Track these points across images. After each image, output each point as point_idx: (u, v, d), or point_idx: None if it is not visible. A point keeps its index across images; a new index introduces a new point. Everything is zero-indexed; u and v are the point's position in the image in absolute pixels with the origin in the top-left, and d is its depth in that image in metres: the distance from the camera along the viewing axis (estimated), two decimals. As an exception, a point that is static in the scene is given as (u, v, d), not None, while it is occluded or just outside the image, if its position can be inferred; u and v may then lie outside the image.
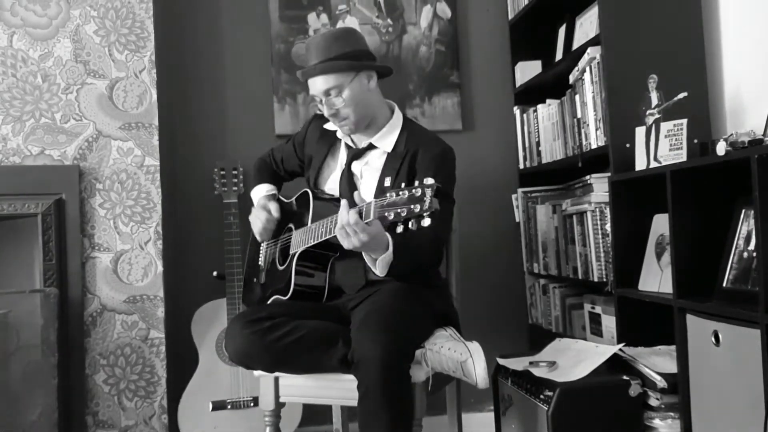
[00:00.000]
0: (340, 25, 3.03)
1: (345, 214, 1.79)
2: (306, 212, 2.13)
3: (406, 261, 1.94)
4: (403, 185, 1.74)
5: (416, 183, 1.69)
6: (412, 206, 1.66)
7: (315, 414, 2.75)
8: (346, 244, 1.82)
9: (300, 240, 2.10)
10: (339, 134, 2.20)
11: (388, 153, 2.11)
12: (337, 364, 1.91)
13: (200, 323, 2.74)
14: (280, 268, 2.19)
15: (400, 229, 1.70)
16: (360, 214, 1.79)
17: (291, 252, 2.14)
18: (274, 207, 2.24)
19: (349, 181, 2.12)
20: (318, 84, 2.06)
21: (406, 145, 2.10)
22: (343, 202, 1.85)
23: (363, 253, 1.93)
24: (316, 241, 2.01)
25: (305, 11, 3.04)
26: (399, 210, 1.68)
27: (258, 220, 2.23)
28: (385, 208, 1.71)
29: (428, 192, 1.66)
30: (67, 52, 2.60)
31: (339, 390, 1.97)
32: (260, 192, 2.34)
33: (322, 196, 2.17)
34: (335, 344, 1.91)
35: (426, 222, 1.65)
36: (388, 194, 1.73)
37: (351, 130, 2.12)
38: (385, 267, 1.92)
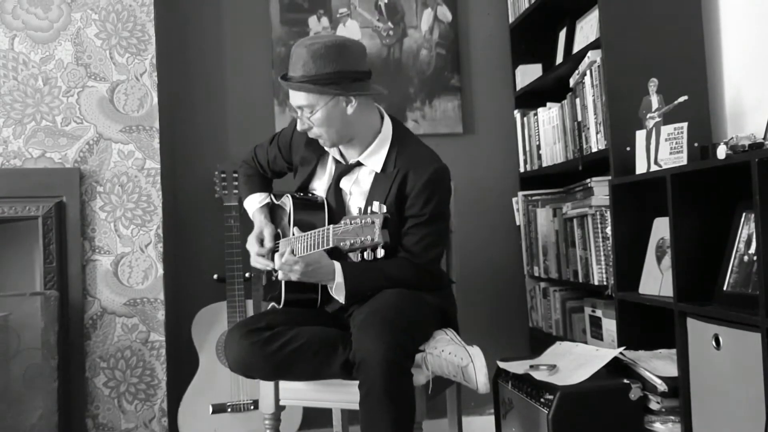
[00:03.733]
0: (340, 28, 3.04)
1: (278, 260, 1.93)
2: (289, 220, 2.10)
3: (367, 285, 1.97)
4: (359, 211, 1.76)
5: (369, 211, 1.69)
6: (362, 238, 1.68)
7: (315, 417, 2.75)
8: (289, 277, 1.94)
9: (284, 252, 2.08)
10: (326, 148, 2.13)
11: (376, 174, 2.06)
12: (338, 370, 1.90)
13: (200, 326, 2.74)
14: (274, 276, 2.17)
15: (357, 257, 1.72)
16: (321, 239, 1.83)
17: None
18: (268, 233, 2.19)
19: (336, 199, 2.09)
20: (292, 98, 2.02)
21: (396, 164, 2.04)
22: (280, 249, 1.99)
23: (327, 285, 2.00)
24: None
25: (306, 15, 3.04)
26: (352, 240, 1.70)
27: (251, 252, 2.22)
28: (340, 236, 1.73)
29: (377, 222, 1.66)
30: (68, 55, 2.60)
31: (339, 393, 1.97)
32: (253, 204, 2.30)
33: (304, 200, 2.14)
34: (335, 350, 1.91)
35: (380, 253, 1.67)
36: (343, 222, 1.75)
37: (329, 146, 2.09)
38: (342, 294, 1.95)
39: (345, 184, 2.11)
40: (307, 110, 1.99)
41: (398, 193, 2.01)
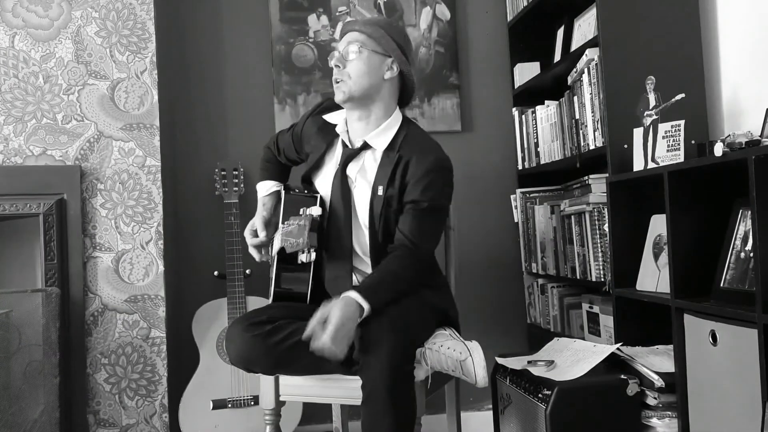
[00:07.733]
0: (339, 26, 3.04)
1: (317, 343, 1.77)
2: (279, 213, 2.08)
3: (383, 294, 1.90)
4: (302, 212, 1.72)
5: (302, 212, 1.67)
6: (297, 240, 1.66)
7: (315, 412, 2.77)
8: (335, 353, 1.77)
9: (274, 245, 2.08)
10: (338, 128, 2.15)
11: (381, 158, 2.07)
12: (339, 365, 1.90)
13: (201, 322, 2.75)
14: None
15: (303, 256, 1.68)
16: (272, 243, 1.79)
17: (271, 255, 2.11)
18: (259, 224, 2.15)
19: (342, 184, 2.08)
20: (347, 36, 2.08)
21: (400, 149, 2.05)
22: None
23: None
24: (276, 249, 1.97)
25: (305, 13, 3.05)
26: (292, 241, 1.68)
27: (247, 241, 2.22)
28: (285, 236, 1.71)
29: (307, 225, 1.64)
30: (69, 53, 2.61)
31: (339, 389, 1.98)
32: (261, 191, 2.30)
33: (297, 194, 2.12)
34: None
35: (310, 256, 1.64)
36: (286, 222, 1.73)
37: (343, 95, 2.06)
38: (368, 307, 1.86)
39: (351, 170, 2.10)
40: (354, 46, 2.04)
41: (401, 179, 2.02)
